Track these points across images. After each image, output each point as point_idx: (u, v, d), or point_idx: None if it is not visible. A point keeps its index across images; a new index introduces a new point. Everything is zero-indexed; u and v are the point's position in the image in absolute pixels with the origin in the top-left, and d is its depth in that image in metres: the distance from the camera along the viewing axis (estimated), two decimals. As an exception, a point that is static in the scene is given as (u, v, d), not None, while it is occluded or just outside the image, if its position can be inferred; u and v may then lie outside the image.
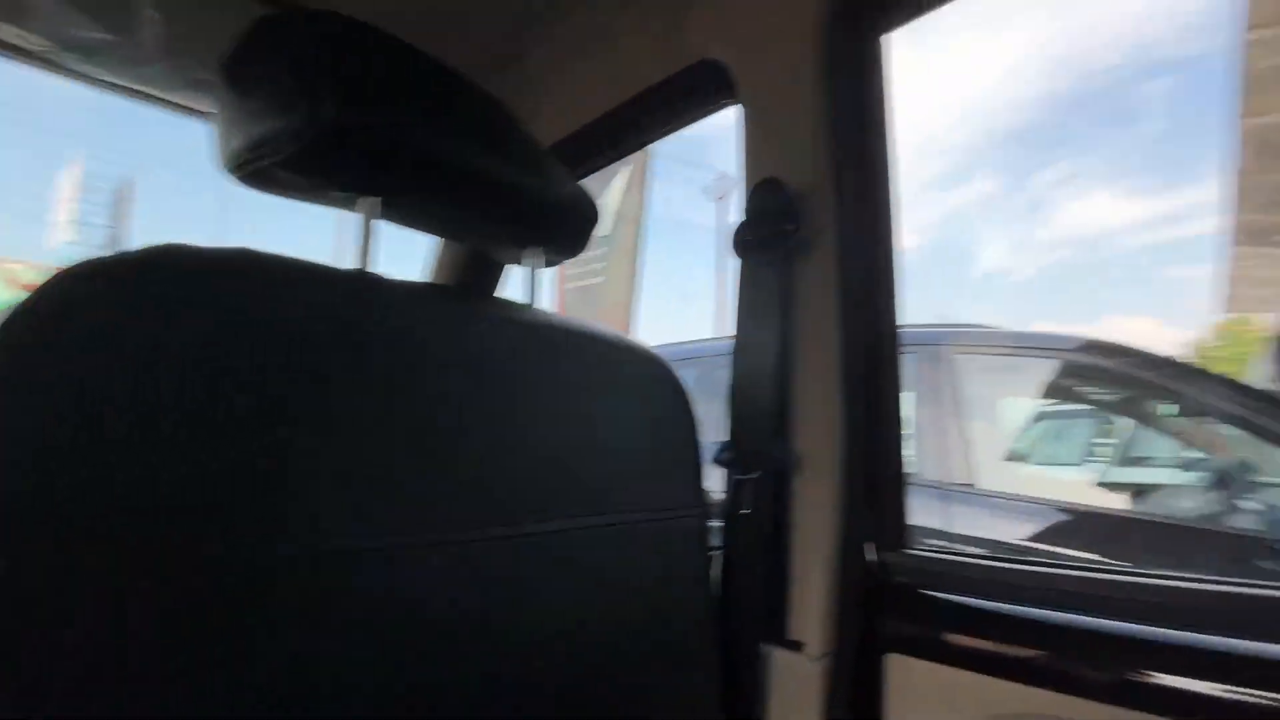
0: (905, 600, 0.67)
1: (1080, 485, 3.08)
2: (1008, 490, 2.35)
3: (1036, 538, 2.06)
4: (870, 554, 0.70)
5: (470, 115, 0.54)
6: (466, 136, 0.52)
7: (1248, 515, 2.08)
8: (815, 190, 0.71)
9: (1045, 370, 2.64)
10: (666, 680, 0.62)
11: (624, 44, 0.90)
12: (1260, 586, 0.53)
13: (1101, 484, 3.03)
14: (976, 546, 2.03)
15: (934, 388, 2.40)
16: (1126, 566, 0.56)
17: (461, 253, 1.12)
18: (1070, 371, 2.56)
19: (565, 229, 0.63)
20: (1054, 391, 2.88)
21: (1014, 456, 3.19)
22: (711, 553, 0.69)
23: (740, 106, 0.78)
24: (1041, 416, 3.62)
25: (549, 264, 0.65)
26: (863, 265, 0.71)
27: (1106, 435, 3.54)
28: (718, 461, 0.73)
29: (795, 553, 0.69)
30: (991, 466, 2.61)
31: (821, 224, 0.70)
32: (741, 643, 0.69)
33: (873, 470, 0.71)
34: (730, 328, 0.75)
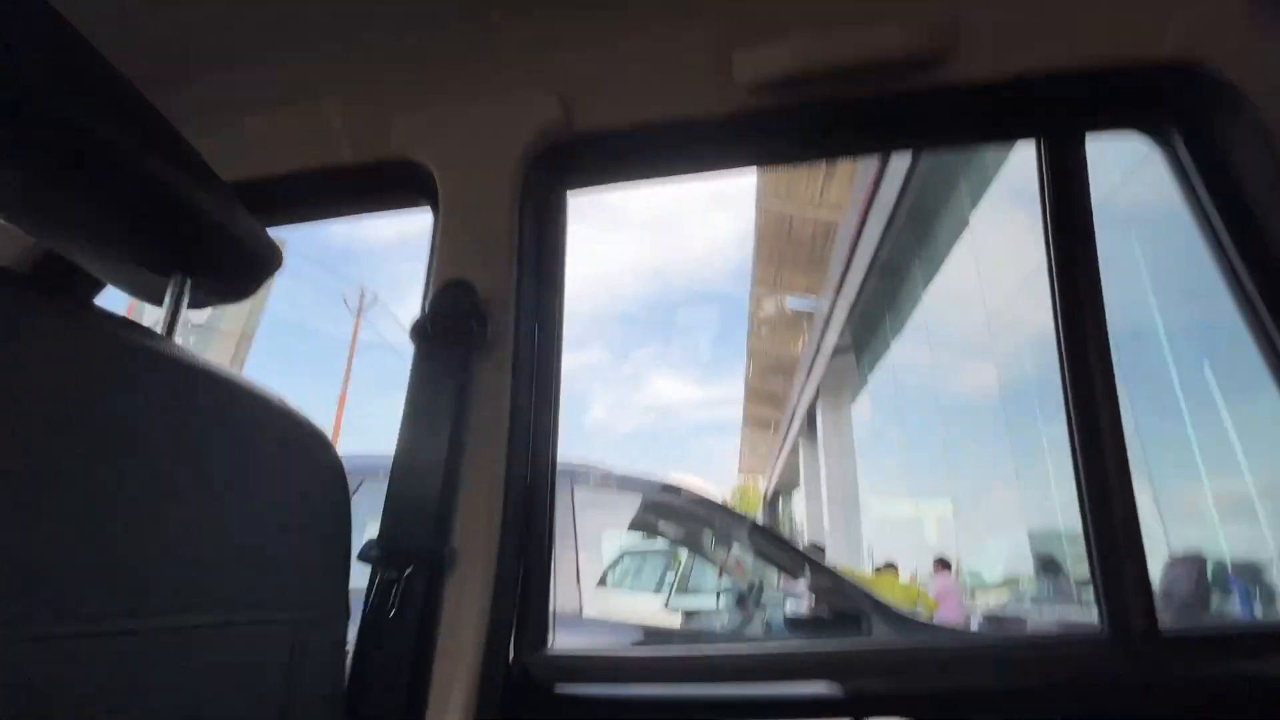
0: (543, 697, 0.68)
1: (654, 609, 3.59)
2: (601, 617, 2.61)
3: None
4: (511, 656, 0.71)
5: (119, 102, 0.44)
6: (109, 119, 0.43)
7: (758, 623, 2.75)
8: (503, 298, 0.77)
9: (634, 506, 3.13)
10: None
11: (332, 115, 0.86)
12: (788, 643, 0.72)
13: (668, 607, 3.62)
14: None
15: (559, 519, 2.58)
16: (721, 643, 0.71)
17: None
18: (651, 508, 3.10)
19: (228, 263, 0.54)
20: (640, 525, 3.41)
21: (606, 585, 3.59)
22: (350, 653, 0.59)
23: (440, 210, 0.82)
24: (627, 552, 4.18)
25: (198, 304, 0.54)
26: (535, 377, 0.79)
27: (673, 567, 4.28)
28: (364, 558, 0.65)
29: (439, 654, 0.64)
30: (592, 593, 2.87)
31: (504, 331, 0.76)
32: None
33: (525, 574, 0.74)
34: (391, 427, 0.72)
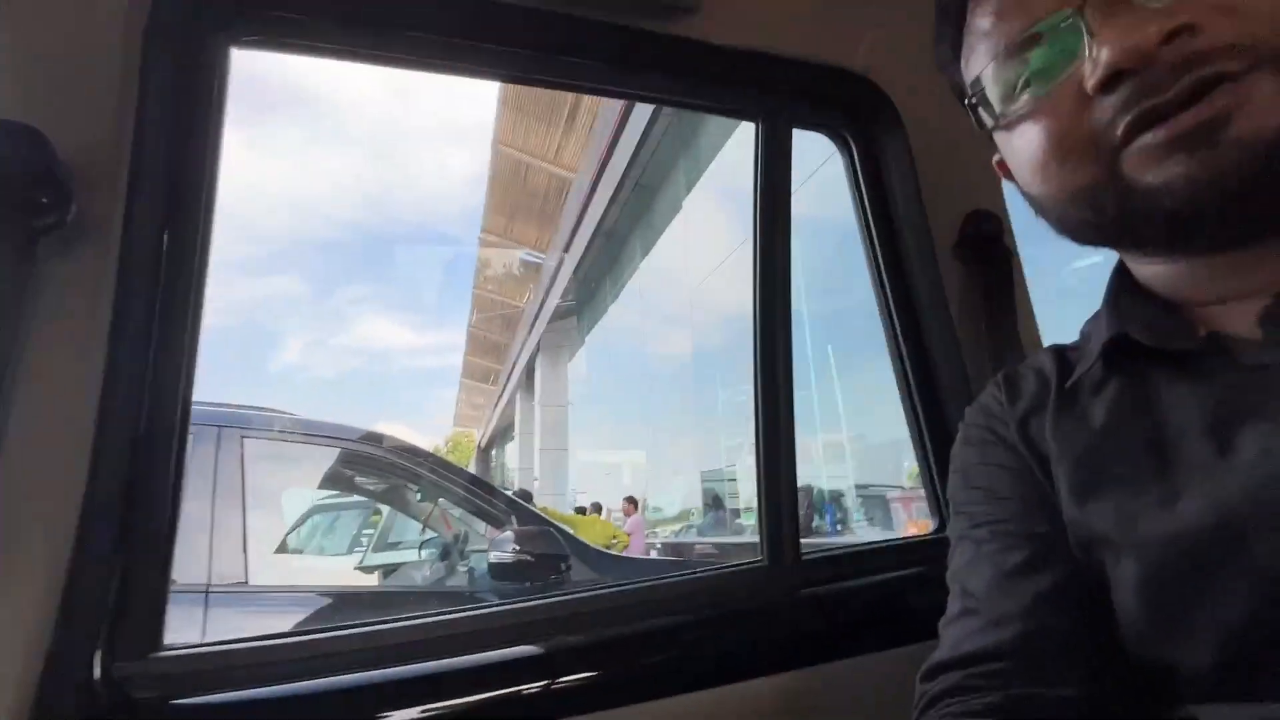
0: (150, 715, 0.51)
1: (345, 570, 3.28)
2: (278, 584, 2.26)
3: (305, 624, 2.03)
4: (97, 669, 0.51)
5: None
6: None
7: (462, 576, 2.70)
8: (107, 165, 0.53)
9: (328, 459, 2.76)
10: None
11: None
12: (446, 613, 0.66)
13: (360, 568, 3.34)
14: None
15: (218, 475, 2.13)
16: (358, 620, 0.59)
17: None
18: (348, 460, 2.77)
19: None
20: (333, 480, 3.03)
21: (288, 548, 3.15)
22: None
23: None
24: (315, 510, 3.73)
25: None
26: (162, 287, 0.57)
27: (370, 524, 3.95)
28: None
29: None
30: (268, 560, 2.47)
31: (103, 215, 0.53)
32: None
33: (126, 561, 0.54)
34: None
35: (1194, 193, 0.35)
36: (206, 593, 1.98)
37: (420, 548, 3.62)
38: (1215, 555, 0.34)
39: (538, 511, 2.82)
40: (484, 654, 0.62)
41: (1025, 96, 0.40)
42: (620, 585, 0.74)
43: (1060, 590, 0.41)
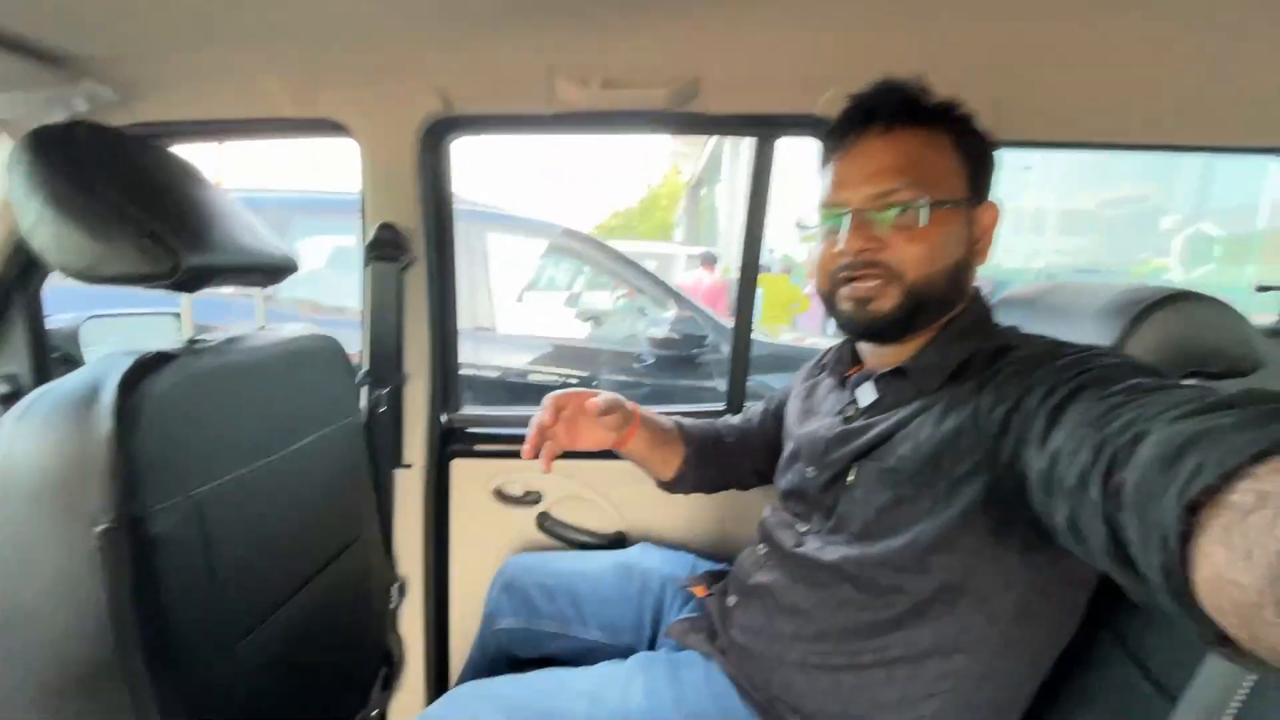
0: (459, 435, 1.44)
1: (564, 313, 4.50)
2: (515, 333, 3.46)
3: (534, 362, 3.20)
4: (444, 418, 1.44)
5: None
6: None
7: (638, 339, 3.69)
8: (415, 231, 1.27)
9: (540, 246, 3.75)
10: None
11: (256, 77, 1.18)
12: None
13: (577, 306, 4.54)
14: (495, 371, 3.06)
15: (470, 255, 3.19)
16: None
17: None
18: (554, 248, 3.74)
19: None
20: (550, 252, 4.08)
21: (527, 288, 4.43)
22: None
23: (365, 169, 1.24)
24: (544, 264, 4.91)
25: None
26: (441, 276, 1.34)
27: (582, 274, 5.10)
28: (360, 383, 1.30)
29: (407, 421, 1.35)
30: (508, 311, 3.68)
31: (417, 253, 1.29)
32: (380, 467, 1.34)
33: (444, 376, 1.42)
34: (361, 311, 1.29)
35: (853, 323, 0.82)
36: (473, 333, 3.20)
37: (617, 298, 4.72)
38: (790, 455, 0.96)
39: (690, 300, 3.55)
40: None
41: (821, 228, 0.81)
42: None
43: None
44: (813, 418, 0.94)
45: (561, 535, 1.43)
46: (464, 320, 3.01)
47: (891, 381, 0.81)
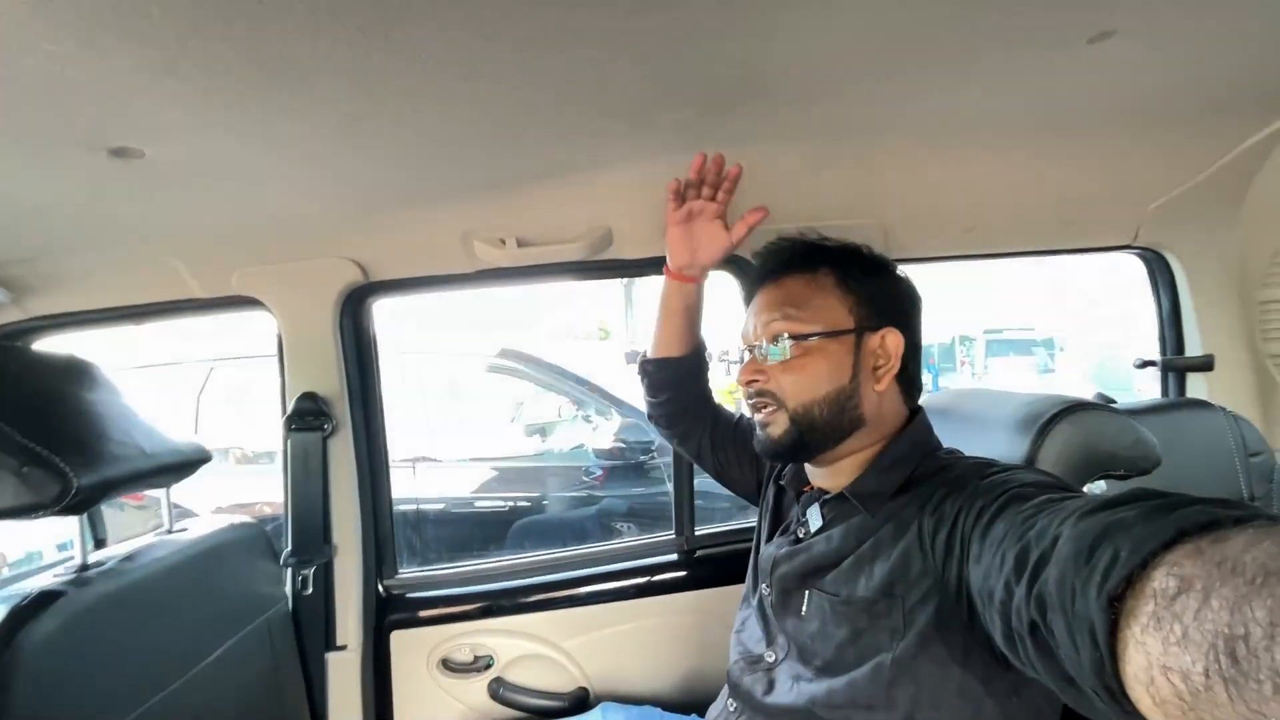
0: (399, 603, 1.34)
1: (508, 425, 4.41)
2: (458, 457, 3.36)
3: (479, 489, 3.09)
4: (380, 587, 1.34)
5: None
6: None
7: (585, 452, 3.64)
8: (338, 397, 1.24)
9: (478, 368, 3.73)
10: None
11: (162, 263, 1.16)
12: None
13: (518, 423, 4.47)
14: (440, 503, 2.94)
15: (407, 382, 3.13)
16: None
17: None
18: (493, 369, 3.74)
19: None
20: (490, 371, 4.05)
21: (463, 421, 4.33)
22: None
23: (282, 340, 1.22)
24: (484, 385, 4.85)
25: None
26: (370, 440, 1.30)
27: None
28: (284, 564, 1.21)
29: (338, 598, 1.25)
30: (445, 437, 3.59)
31: (342, 420, 1.25)
32: (309, 653, 1.22)
33: (378, 544, 1.34)
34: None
35: (761, 447, 0.86)
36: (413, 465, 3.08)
37: (559, 411, 4.67)
38: (752, 568, 0.94)
39: (633, 406, 3.56)
40: (544, 575, 1.38)
41: (733, 363, 0.91)
42: (583, 547, 1.45)
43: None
44: (774, 535, 0.94)
45: (517, 703, 1.32)
46: (404, 451, 2.90)
47: (836, 506, 0.82)
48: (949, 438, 0.84)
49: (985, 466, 0.71)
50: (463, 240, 1.19)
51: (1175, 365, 1.41)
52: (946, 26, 0.73)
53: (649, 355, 1.12)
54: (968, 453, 0.81)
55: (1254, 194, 1.24)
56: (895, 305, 0.84)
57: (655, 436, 3.26)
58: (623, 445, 3.24)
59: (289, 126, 0.78)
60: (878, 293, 0.83)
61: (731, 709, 0.87)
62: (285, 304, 1.21)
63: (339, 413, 1.24)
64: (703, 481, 1.41)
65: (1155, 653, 0.34)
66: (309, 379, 1.23)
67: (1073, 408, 0.83)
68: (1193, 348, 1.38)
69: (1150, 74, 0.91)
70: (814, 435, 0.79)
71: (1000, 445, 0.87)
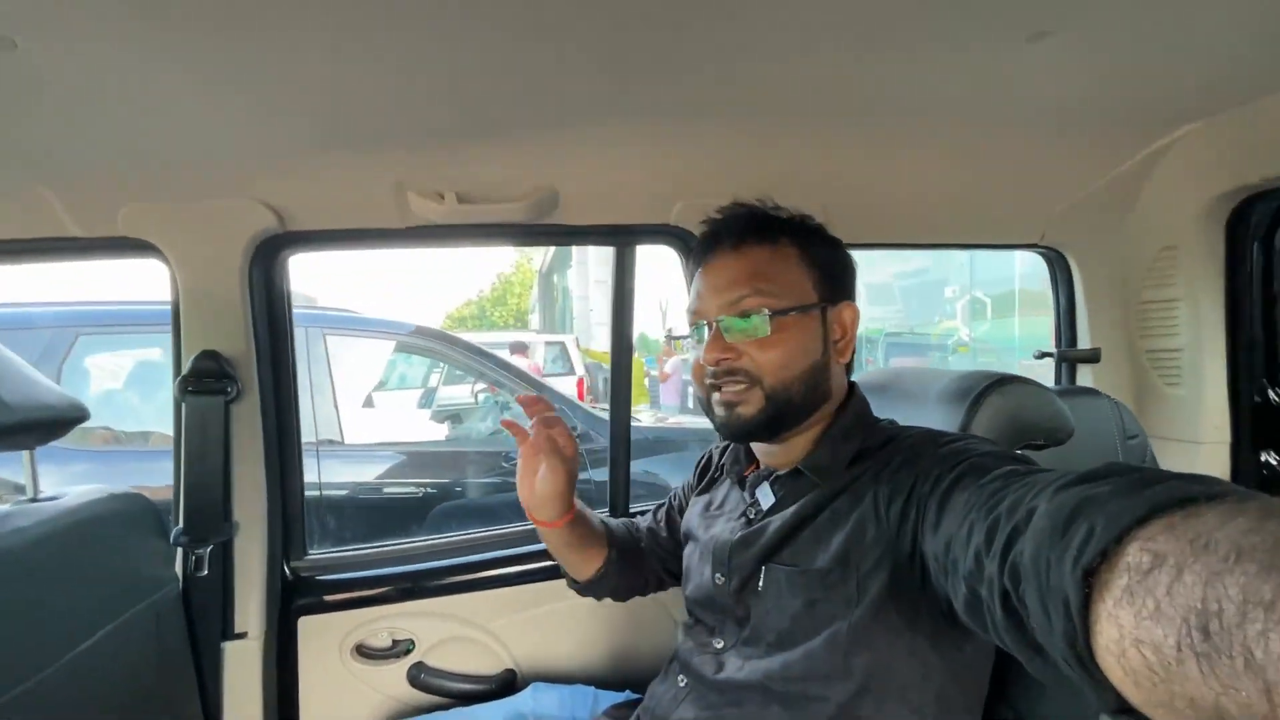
0: (308, 586, 1.23)
1: (417, 414, 4.20)
2: (365, 442, 3.15)
3: (389, 474, 2.91)
4: (288, 569, 1.22)
5: None
6: None
7: (500, 436, 3.54)
8: (244, 358, 1.11)
9: (389, 347, 3.53)
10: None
11: (31, 192, 0.99)
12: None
13: (433, 404, 4.28)
14: (342, 489, 2.74)
15: (311, 361, 2.90)
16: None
17: None
18: (405, 348, 3.54)
19: None
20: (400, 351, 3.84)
21: (376, 389, 4.11)
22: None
23: (179, 291, 1.08)
24: (394, 364, 4.63)
25: None
26: (279, 407, 1.18)
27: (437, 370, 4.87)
28: (175, 543, 1.07)
29: (239, 581, 1.13)
30: (356, 422, 3.37)
31: (248, 383, 1.12)
32: (202, 643, 1.10)
33: (285, 521, 1.22)
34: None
35: (726, 428, 0.84)
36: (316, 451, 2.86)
37: (476, 397, 4.53)
38: (697, 561, 0.92)
39: (556, 390, 3.52)
40: (469, 555, 1.31)
41: (688, 339, 0.87)
42: (510, 526, 1.40)
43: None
44: (715, 520, 0.92)
45: (440, 687, 1.25)
46: (305, 435, 2.68)
47: (788, 482, 0.82)
48: (885, 411, 0.87)
49: (939, 435, 0.74)
50: (395, 191, 1.10)
51: (1068, 357, 1.55)
52: (895, 8, 0.75)
53: (577, 581, 1.05)
54: (904, 424, 0.83)
55: (1141, 202, 1.38)
56: (848, 278, 0.86)
57: (578, 423, 3.21)
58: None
59: (202, 41, 0.68)
60: (835, 267, 0.84)
61: (682, 684, 0.86)
62: (183, 250, 1.07)
63: (245, 375, 1.12)
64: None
65: (1127, 625, 0.34)
66: (210, 337, 1.10)
67: (1001, 380, 0.88)
68: (1084, 342, 1.52)
69: (1074, 79, 0.98)
70: (789, 411, 0.79)
71: (935, 417, 0.91)
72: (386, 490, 2.85)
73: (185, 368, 1.07)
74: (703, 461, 1.06)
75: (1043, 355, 1.60)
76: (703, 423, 1.30)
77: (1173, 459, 1.47)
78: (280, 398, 1.20)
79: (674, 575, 1.06)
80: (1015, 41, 0.86)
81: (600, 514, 1.06)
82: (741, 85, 0.92)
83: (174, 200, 1.05)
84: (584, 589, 1.04)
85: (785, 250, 0.81)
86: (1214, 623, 0.30)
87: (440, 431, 4.00)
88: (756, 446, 0.89)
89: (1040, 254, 1.53)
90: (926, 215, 1.36)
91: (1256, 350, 1.41)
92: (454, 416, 4.19)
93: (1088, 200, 1.37)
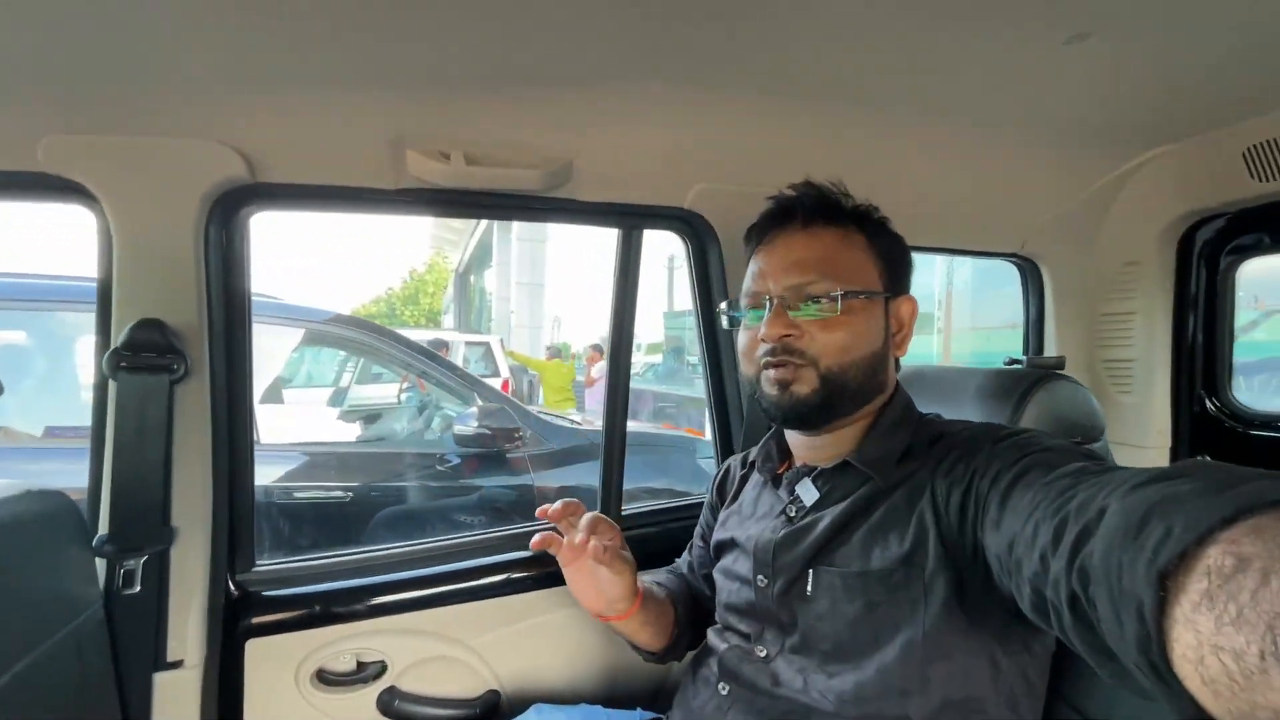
0: (256, 603, 1.05)
1: (331, 411, 3.88)
2: (281, 443, 2.84)
3: (294, 476, 2.60)
4: (233, 584, 1.03)
5: None
6: None
7: (432, 438, 3.31)
8: (194, 331, 0.93)
9: (308, 336, 3.21)
10: None
11: None
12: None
13: (345, 403, 3.96)
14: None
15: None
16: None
17: None
18: (322, 337, 3.24)
19: None
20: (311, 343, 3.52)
21: (283, 383, 3.74)
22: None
23: (114, 246, 0.88)
24: (305, 354, 4.26)
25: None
26: (232, 391, 1.00)
27: (351, 368, 4.53)
28: (98, 552, 0.87)
29: (175, 599, 0.94)
30: (271, 420, 3.04)
31: (198, 361, 0.94)
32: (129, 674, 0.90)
33: (233, 527, 1.03)
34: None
35: (776, 408, 0.78)
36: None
37: (400, 393, 4.24)
38: (731, 563, 0.85)
39: (496, 390, 3.35)
40: (446, 564, 1.16)
41: (745, 317, 0.81)
42: (489, 530, 1.27)
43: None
44: (749, 521, 0.86)
45: (416, 714, 1.10)
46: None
47: (835, 476, 0.78)
48: (924, 407, 0.85)
49: (997, 429, 0.71)
50: (392, 146, 0.96)
51: (1035, 364, 1.61)
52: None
53: (654, 653, 0.98)
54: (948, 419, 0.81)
55: (1111, 218, 1.47)
56: (908, 274, 0.85)
57: (522, 424, 3.06)
58: (487, 433, 2.98)
59: None
60: (897, 258, 0.83)
61: (724, 693, 0.78)
62: (122, 195, 0.88)
63: (195, 352, 0.93)
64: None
65: (1206, 631, 0.33)
66: (152, 303, 0.90)
67: (1045, 378, 0.88)
68: (1050, 350, 1.60)
69: (1071, 92, 1.02)
70: (844, 397, 0.76)
71: (979, 413, 0.89)
72: (307, 495, 2.57)
73: (118, 339, 0.88)
74: (719, 478, 1.01)
75: (1012, 362, 1.67)
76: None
77: (1121, 462, 1.57)
78: (234, 380, 1.02)
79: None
80: (1044, 45, 0.88)
81: (645, 577, 0.97)
82: (763, 62, 0.89)
83: (113, 133, 0.86)
84: (662, 657, 0.98)
85: (854, 237, 0.80)
86: None
87: (357, 431, 3.70)
88: (797, 441, 0.84)
89: (1015, 263, 1.60)
90: (919, 217, 1.38)
91: (1198, 363, 1.54)
92: (369, 416, 3.90)
93: (1066, 214, 1.44)
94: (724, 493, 0.97)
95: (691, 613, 0.98)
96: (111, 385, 0.89)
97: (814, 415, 0.76)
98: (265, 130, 0.92)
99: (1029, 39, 0.87)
